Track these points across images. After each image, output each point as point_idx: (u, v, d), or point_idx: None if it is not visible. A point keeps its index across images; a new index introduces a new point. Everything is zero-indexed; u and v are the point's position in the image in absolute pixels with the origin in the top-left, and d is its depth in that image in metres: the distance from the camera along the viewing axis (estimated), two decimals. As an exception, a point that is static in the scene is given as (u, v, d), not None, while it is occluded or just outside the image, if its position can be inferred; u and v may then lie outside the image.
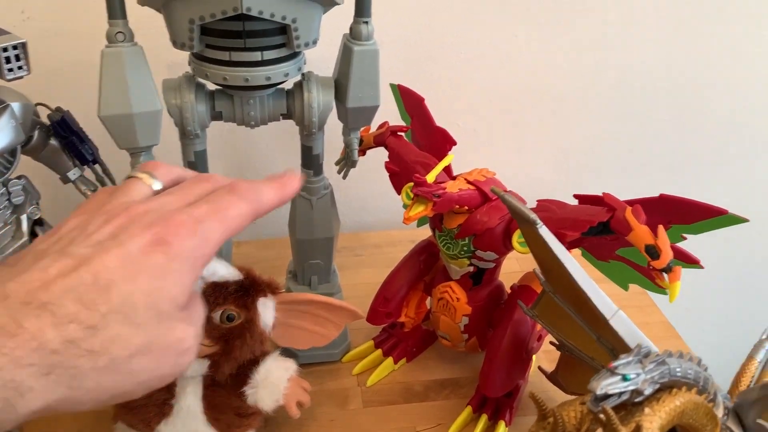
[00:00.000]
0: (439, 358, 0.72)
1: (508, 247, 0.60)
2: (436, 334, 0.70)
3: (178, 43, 0.55)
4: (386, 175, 0.69)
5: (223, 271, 0.58)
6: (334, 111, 0.64)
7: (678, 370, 0.39)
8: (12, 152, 0.54)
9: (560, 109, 0.95)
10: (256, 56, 0.55)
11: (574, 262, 0.47)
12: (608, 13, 0.89)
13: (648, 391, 0.37)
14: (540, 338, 0.65)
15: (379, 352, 0.71)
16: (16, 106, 0.53)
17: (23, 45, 0.50)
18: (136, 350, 0.32)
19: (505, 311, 0.63)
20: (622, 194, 0.56)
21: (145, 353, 0.32)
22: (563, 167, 0.99)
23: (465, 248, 0.60)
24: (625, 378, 0.36)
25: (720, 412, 0.45)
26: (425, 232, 0.68)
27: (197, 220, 0.35)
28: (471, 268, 0.63)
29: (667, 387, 0.39)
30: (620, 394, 0.36)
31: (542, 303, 0.56)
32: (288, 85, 0.62)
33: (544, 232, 0.47)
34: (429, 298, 0.70)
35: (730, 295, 1.17)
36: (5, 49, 0.49)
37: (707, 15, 0.91)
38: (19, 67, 0.50)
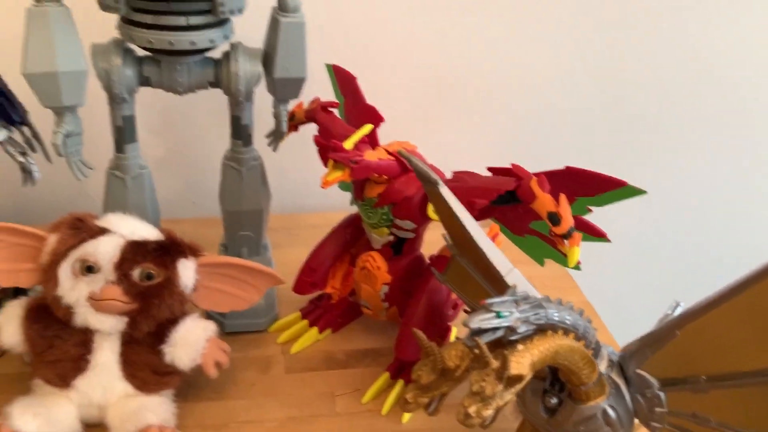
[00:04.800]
0: (363, 330, 0.74)
1: (425, 216, 0.62)
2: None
3: (103, 5, 0.56)
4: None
5: (144, 231, 0.60)
6: (265, 85, 0.66)
7: (555, 315, 0.42)
8: (-66, 105, 0.55)
9: (497, 95, 0.99)
10: (181, 21, 0.57)
11: (472, 221, 0.50)
12: (542, 8, 0.92)
13: (522, 329, 0.39)
14: (456, 306, 0.67)
15: (305, 322, 0.73)
16: (-62, 59, 0.54)
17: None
18: None
19: (423, 280, 0.65)
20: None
21: None
22: (502, 151, 1.02)
23: (384, 217, 0.63)
24: (498, 315, 0.38)
25: (604, 364, 0.48)
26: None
27: None
28: (391, 238, 0.65)
29: (544, 330, 0.41)
30: (494, 330, 0.38)
31: (452, 268, 0.58)
32: (217, 54, 0.63)
33: (445, 192, 0.50)
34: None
35: (654, 277, 1.20)
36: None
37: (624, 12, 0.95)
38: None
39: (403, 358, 0.64)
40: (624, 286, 1.18)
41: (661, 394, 0.47)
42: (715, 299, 0.41)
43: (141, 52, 0.62)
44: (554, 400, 0.47)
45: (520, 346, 0.39)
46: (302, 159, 0.97)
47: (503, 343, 0.40)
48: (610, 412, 0.46)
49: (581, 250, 0.57)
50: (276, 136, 0.70)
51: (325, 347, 0.72)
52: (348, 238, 0.71)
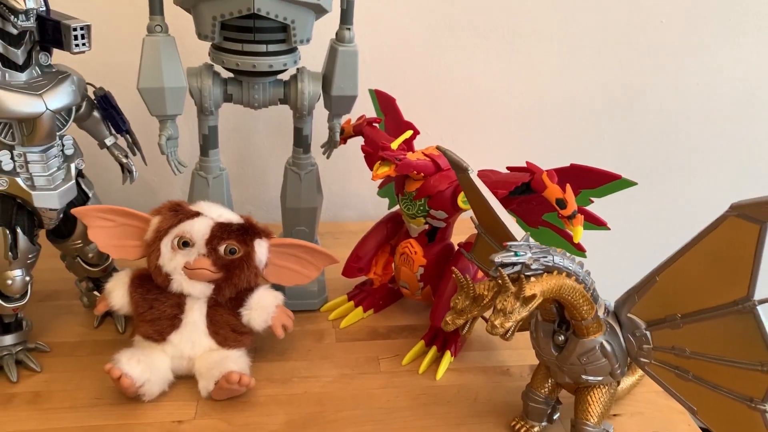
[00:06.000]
0: (401, 311, 0.87)
1: (455, 207, 0.75)
2: (400, 293, 0.85)
3: (202, 35, 0.71)
4: (364, 178, 0.84)
5: (228, 215, 0.74)
6: (322, 103, 0.80)
7: (559, 261, 0.54)
8: (68, 112, 0.69)
9: (515, 112, 1.13)
10: (262, 48, 0.71)
11: (495, 200, 0.63)
12: (560, 44, 1.07)
13: (534, 266, 0.52)
14: (480, 285, 0.80)
15: (351, 303, 0.86)
16: (75, 76, 0.69)
17: (88, 27, 0.66)
18: None
19: (452, 262, 0.78)
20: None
21: None
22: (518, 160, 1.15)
23: (421, 208, 0.76)
24: (516, 254, 0.51)
25: (601, 310, 0.60)
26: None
27: None
28: (426, 226, 0.78)
29: (551, 271, 0.54)
30: (513, 265, 0.51)
31: (477, 247, 0.71)
32: (285, 76, 0.78)
33: (474, 176, 0.63)
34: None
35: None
36: (75, 29, 0.65)
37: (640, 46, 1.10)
38: (84, 44, 0.66)
39: (437, 325, 0.76)
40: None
41: (648, 333, 0.58)
42: (683, 247, 0.54)
43: (225, 74, 0.77)
44: (561, 338, 0.59)
45: (532, 278, 0.51)
46: (343, 178, 1.12)
47: (520, 278, 0.52)
48: (607, 346, 0.58)
49: (588, 246, 0.71)
50: (330, 146, 0.84)
51: (369, 323, 0.84)
52: (388, 232, 0.84)
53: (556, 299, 0.55)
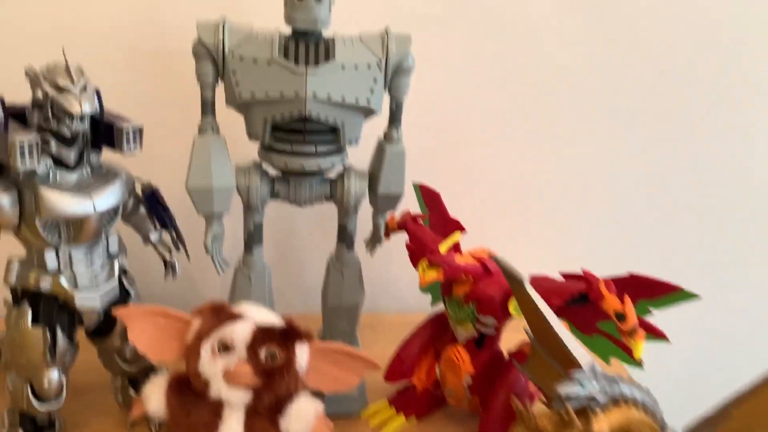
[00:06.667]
0: (446, 418, 0.82)
1: (505, 314, 0.72)
2: (444, 398, 0.81)
3: (252, 135, 0.71)
4: (404, 267, 0.82)
5: (269, 318, 0.71)
6: (366, 199, 0.79)
7: (627, 391, 0.50)
8: (116, 210, 0.69)
9: (561, 206, 1.11)
10: (312, 149, 0.71)
11: (553, 315, 0.60)
12: (594, 132, 1.06)
13: (601, 399, 0.48)
14: (531, 398, 0.75)
15: (393, 409, 0.82)
16: (124, 174, 0.69)
17: (140, 129, 0.66)
18: None
19: (503, 373, 0.74)
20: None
21: None
22: (567, 257, 1.11)
23: (470, 313, 0.73)
24: (582, 386, 0.48)
25: (670, 440, 0.55)
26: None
27: None
28: (475, 333, 0.74)
29: (617, 402, 0.50)
30: (579, 398, 0.47)
31: (532, 361, 0.67)
32: (332, 174, 0.77)
33: (530, 288, 0.60)
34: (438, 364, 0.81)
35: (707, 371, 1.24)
36: (127, 131, 0.65)
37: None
38: (135, 146, 0.66)
39: (485, 442, 0.72)
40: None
41: (722, 470, 0.54)
42: (763, 382, 0.50)
43: (273, 172, 0.76)
44: (627, 471, 0.55)
45: (600, 414, 0.48)
46: (382, 267, 1.10)
47: (586, 411, 0.49)
48: (677, 482, 0.53)
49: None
50: (374, 242, 0.83)
51: (411, 431, 0.80)
52: (433, 334, 0.81)
53: (623, 433, 0.51)
